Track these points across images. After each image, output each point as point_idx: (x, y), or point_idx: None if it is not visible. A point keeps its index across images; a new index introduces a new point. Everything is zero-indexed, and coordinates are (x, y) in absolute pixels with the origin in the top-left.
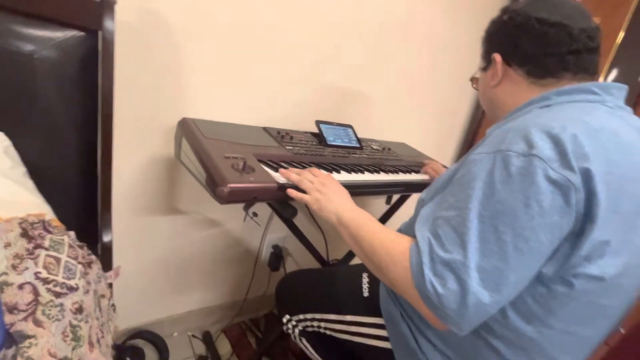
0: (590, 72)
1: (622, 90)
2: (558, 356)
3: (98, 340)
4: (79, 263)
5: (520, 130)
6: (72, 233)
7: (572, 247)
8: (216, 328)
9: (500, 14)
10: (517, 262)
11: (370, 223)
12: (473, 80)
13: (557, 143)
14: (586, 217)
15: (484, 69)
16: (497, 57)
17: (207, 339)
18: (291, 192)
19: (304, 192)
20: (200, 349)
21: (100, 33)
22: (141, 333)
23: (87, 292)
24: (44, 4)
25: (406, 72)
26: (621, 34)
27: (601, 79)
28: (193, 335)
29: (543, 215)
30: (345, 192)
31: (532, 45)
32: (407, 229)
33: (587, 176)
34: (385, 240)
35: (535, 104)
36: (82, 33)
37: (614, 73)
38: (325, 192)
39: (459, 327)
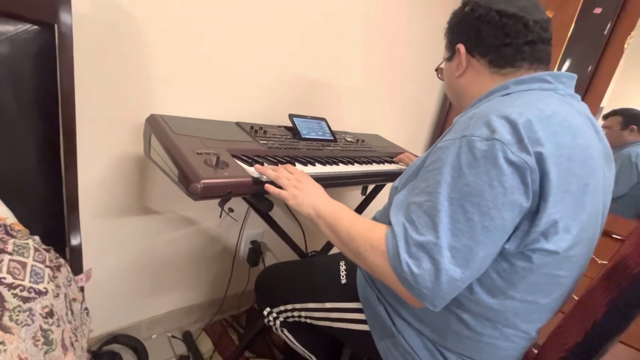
0: (544, 62)
1: (572, 79)
2: (519, 324)
3: (72, 344)
4: (47, 267)
5: (482, 116)
6: (36, 237)
7: (530, 224)
8: (197, 327)
9: (462, 6)
10: (484, 239)
11: (346, 213)
12: (438, 70)
13: (514, 128)
14: (540, 196)
15: (449, 59)
16: (462, 47)
17: (188, 338)
18: (269, 187)
19: (280, 188)
20: (181, 349)
21: (56, 27)
22: (117, 338)
23: (57, 295)
24: None
25: (378, 66)
26: (572, 27)
27: (555, 70)
28: (173, 336)
29: (506, 194)
30: (320, 188)
31: (493, 36)
32: (382, 217)
33: (540, 159)
34: (362, 228)
35: (496, 93)
36: (36, 27)
37: (567, 64)
38: (302, 187)
39: (433, 304)
